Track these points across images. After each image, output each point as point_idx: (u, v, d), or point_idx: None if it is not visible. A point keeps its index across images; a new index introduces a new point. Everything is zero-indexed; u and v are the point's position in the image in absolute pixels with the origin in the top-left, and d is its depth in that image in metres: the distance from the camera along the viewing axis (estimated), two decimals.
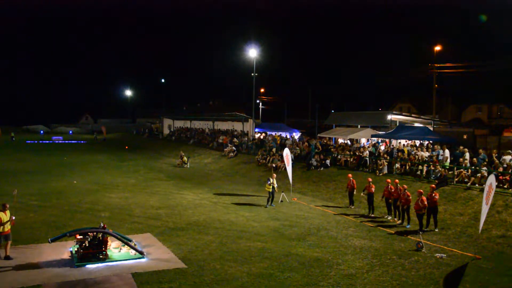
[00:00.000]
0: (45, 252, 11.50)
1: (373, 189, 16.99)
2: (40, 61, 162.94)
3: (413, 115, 38.63)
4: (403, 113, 40.13)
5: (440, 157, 19.93)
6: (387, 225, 15.42)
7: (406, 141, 26.29)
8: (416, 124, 28.83)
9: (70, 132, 79.12)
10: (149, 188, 22.26)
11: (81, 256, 10.81)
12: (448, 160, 19.84)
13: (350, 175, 18.99)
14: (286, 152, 21.47)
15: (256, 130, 39.34)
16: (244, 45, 38.79)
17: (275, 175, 19.29)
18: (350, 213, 17.35)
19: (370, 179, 17.65)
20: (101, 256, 10.95)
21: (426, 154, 20.90)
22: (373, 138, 27.87)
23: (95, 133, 66.28)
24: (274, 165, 26.18)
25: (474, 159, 18.52)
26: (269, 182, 18.22)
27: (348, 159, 24.47)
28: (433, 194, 14.38)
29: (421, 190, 14.82)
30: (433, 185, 15.21)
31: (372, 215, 16.76)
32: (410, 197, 15.06)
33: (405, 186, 15.54)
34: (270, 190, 18.16)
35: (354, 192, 18.31)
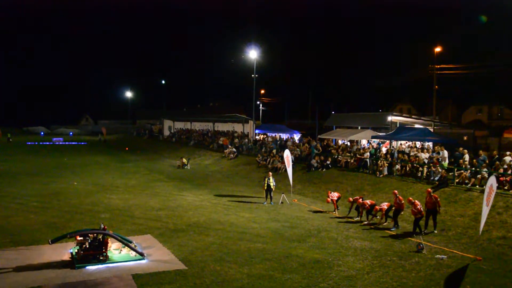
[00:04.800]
0: (45, 254, 11.50)
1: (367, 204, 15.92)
2: (40, 62, 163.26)
3: (413, 116, 38.61)
4: (403, 114, 40.09)
5: (440, 159, 19.93)
6: (387, 227, 15.39)
7: (406, 142, 26.31)
8: (416, 125, 28.86)
9: (71, 133, 79.20)
10: (150, 190, 22.26)
11: (82, 258, 10.80)
12: (447, 161, 19.86)
13: (328, 200, 17.95)
14: (287, 153, 21.49)
15: (257, 131, 39.37)
16: (245, 46, 38.80)
17: (271, 173, 19.73)
18: (351, 215, 17.33)
19: (398, 194, 15.67)
20: (101, 258, 10.94)
21: (426, 155, 20.91)
22: (374, 140, 27.87)
23: (100, 134, 65.96)
24: (268, 165, 26.21)
25: (474, 160, 18.53)
26: (263, 182, 19.34)
27: (349, 160, 24.48)
28: (433, 198, 14.33)
29: (411, 198, 14.79)
30: (429, 189, 15.19)
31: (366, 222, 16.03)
32: (403, 201, 15.08)
33: (395, 191, 15.60)
34: (265, 188, 18.95)
35: (337, 206, 17.77)
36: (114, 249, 11.69)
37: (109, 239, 11.28)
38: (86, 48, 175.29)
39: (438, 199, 14.53)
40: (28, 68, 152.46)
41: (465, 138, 32.09)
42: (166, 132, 55.60)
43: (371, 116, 35.48)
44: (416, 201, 14.44)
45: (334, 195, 17.89)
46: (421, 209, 14.29)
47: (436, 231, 14.38)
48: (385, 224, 15.43)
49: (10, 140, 56.47)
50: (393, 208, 15.54)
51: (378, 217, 15.57)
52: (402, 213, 15.44)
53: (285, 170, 22.15)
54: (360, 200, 16.59)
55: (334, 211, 17.55)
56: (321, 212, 17.82)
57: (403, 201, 15.06)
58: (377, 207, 15.69)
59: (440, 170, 18.64)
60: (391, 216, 15.52)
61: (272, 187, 18.96)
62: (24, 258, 11.19)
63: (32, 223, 14.75)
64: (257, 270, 10.65)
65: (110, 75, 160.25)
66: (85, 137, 72.66)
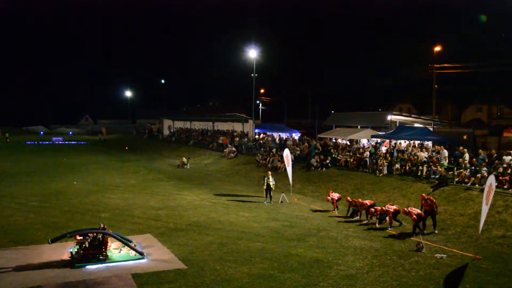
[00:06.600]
0: (45, 253, 11.51)
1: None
2: (40, 62, 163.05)
3: (413, 115, 38.64)
4: (403, 114, 40.13)
5: (439, 158, 19.94)
6: (386, 226, 15.38)
7: (405, 141, 26.30)
8: (416, 125, 28.85)
9: (70, 133, 79.18)
10: (149, 189, 22.27)
11: (81, 257, 10.81)
12: (446, 160, 19.86)
13: (328, 199, 18.12)
14: (286, 152, 21.48)
15: (256, 130, 39.36)
16: (244, 45, 38.76)
17: (270, 172, 19.67)
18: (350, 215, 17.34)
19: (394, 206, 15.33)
20: (101, 257, 10.95)
21: (425, 154, 20.92)
22: (373, 139, 27.88)
23: (100, 134, 65.95)
24: (268, 165, 26.22)
25: (474, 159, 18.54)
26: (263, 181, 19.28)
27: (348, 159, 24.48)
28: (429, 201, 14.27)
29: (405, 209, 14.48)
30: (423, 194, 15.09)
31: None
32: (390, 209, 15.00)
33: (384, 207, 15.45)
34: (265, 187, 18.92)
35: (336, 205, 17.81)
36: (114, 249, 11.70)
37: (108, 238, 11.28)
38: (86, 48, 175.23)
39: (434, 201, 14.46)
40: (28, 67, 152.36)
41: (464, 137, 32.11)
42: (166, 132, 55.55)
43: (371, 115, 35.49)
44: (411, 209, 14.24)
45: (335, 195, 17.90)
46: (420, 211, 14.26)
47: (436, 231, 14.32)
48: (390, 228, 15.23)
49: (8, 140, 56.30)
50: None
51: (374, 217, 15.55)
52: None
53: (285, 169, 22.14)
54: (358, 201, 16.59)
55: (334, 210, 17.56)
56: (320, 211, 17.83)
57: (389, 209, 15.01)
58: (371, 209, 15.66)
59: (439, 169, 18.65)
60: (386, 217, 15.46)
61: (271, 186, 18.96)
62: (24, 257, 11.19)
63: (32, 223, 14.75)
64: (257, 269, 10.66)
65: (110, 74, 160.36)
66: (85, 137, 72.64)
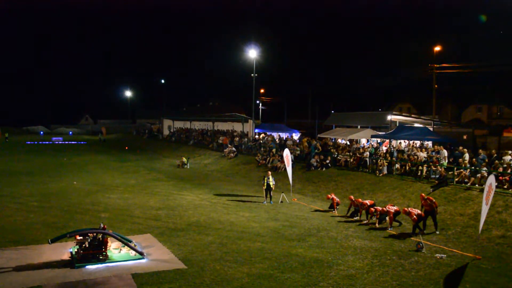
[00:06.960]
0: (45, 253, 11.51)
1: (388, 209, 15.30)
2: (39, 62, 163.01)
3: (413, 115, 38.63)
4: (403, 114, 40.16)
5: (439, 158, 19.94)
6: (386, 226, 15.38)
7: (405, 141, 26.32)
8: (416, 125, 28.86)
9: (70, 133, 79.16)
10: (149, 189, 22.27)
11: (81, 257, 10.81)
12: (446, 160, 19.86)
13: (328, 196, 18.20)
14: (286, 152, 21.48)
15: (256, 130, 39.37)
16: (244, 45, 38.74)
17: (270, 172, 19.68)
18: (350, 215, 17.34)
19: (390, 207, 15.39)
20: (101, 257, 10.95)
21: (424, 154, 20.92)
22: (373, 139, 27.88)
23: (100, 134, 65.94)
24: (268, 165, 26.23)
25: (474, 159, 18.54)
26: (263, 181, 19.28)
27: (348, 159, 24.48)
28: (428, 200, 14.28)
29: (405, 208, 14.46)
30: (422, 194, 15.08)
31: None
32: (391, 209, 15.00)
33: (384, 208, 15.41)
34: (265, 187, 18.94)
35: (336, 207, 17.77)
36: (114, 249, 11.70)
37: (108, 238, 11.28)
38: (86, 47, 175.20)
39: (434, 201, 14.45)
40: (28, 67, 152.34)
41: (464, 137, 32.13)
42: (166, 132, 55.57)
43: (371, 115, 35.50)
44: (411, 209, 14.23)
45: (336, 198, 17.77)
46: (420, 211, 14.25)
47: (438, 232, 14.26)
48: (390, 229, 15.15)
49: (7, 140, 56.28)
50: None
51: (374, 217, 15.54)
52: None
53: (285, 169, 22.14)
54: (358, 201, 16.58)
55: (333, 210, 17.57)
56: (320, 211, 17.83)
57: (390, 210, 15.00)
58: (372, 208, 15.66)
59: (439, 169, 18.66)
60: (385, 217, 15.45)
61: (271, 186, 18.96)
62: (24, 257, 11.20)
63: (31, 223, 14.76)
64: (257, 270, 10.66)
65: (110, 74, 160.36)
66: (85, 137, 72.64)
